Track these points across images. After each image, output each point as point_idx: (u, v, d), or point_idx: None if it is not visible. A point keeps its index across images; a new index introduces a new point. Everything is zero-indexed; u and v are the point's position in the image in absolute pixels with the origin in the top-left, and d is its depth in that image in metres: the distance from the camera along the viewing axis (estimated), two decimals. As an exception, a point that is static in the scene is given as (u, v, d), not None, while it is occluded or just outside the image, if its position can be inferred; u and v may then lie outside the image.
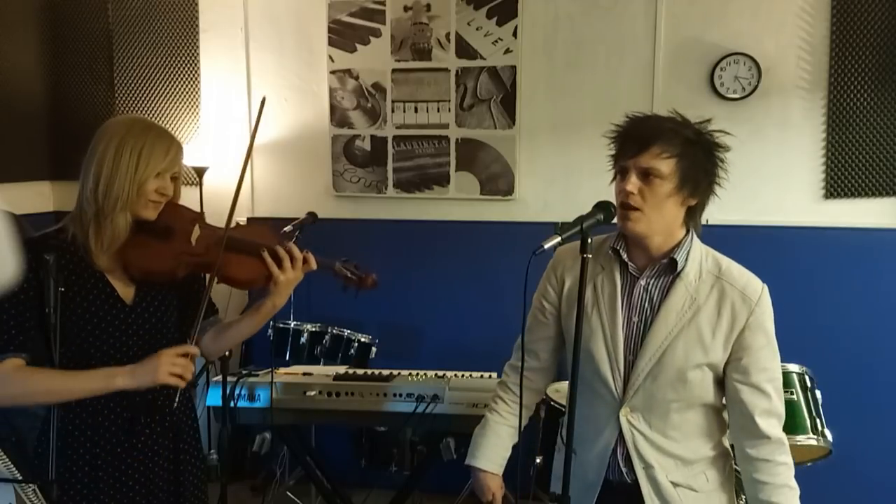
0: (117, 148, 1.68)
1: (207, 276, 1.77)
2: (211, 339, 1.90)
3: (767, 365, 1.66)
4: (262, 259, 1.75)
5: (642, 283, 1.70)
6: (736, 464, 1.80)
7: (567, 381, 2.17)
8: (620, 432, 1.70)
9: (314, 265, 1.80)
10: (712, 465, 1.74)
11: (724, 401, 1.73)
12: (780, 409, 1.69)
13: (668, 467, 1.70)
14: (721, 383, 1.70)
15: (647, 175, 1.60)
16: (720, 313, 1.65)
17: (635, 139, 1.62)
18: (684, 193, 1.62)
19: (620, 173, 1.66)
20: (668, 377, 1.65)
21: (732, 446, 1.77)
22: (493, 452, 1.89)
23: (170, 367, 1.63)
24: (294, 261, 1.76)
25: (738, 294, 1.65)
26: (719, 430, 1.76)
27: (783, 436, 1.68)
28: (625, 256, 1.71)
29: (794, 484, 1.66)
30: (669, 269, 1.68)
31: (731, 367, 1.67)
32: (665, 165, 1.59)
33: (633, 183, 1.61)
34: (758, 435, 1.66)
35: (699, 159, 1.61)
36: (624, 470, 1.72)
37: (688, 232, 1.69)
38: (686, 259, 1.66)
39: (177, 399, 1.71)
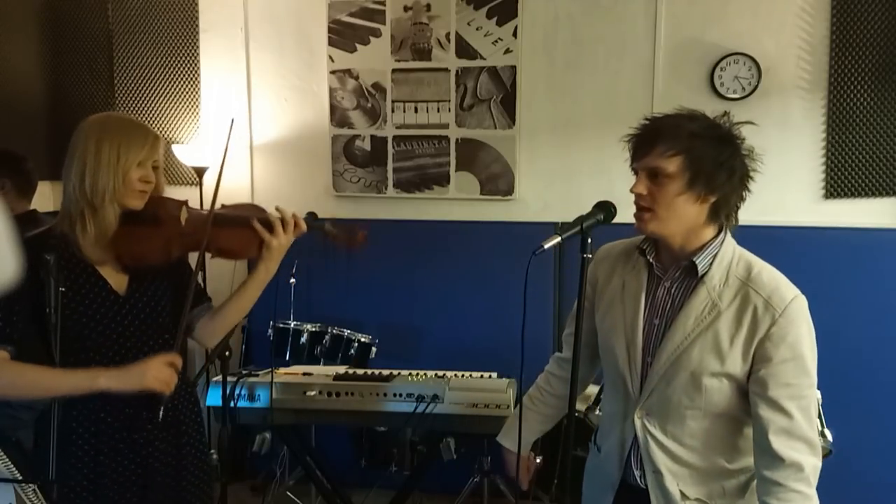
0: (97, 143, 1.72)
1: (194, 267, 1.82)
2: (208, 322, 1.93)
3: (791, 381, 1.54)
4: (253, 228, 1.81)
5: (666, 284, 1.66)
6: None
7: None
8: (636, 434, 1.68)
9: (304, 227, 1.86)
10: (733, 480, 1.66)
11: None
12: (806, 431, 1.54)
13: (681, 476, 1.64)
14: (746, 396, 1.60)
15: (654, 175, 1.56)
16: (741, 321, 1.56)
17: (641, 140, 1.60)
18: (698, 190, 1.55)
19: (634, 174, 1.63)
20: (681, 382, 1.60)
21: None
22: (512, 432, 1.93)
23: (157, 373, 1.66)
24: (286, 225, 1.82)
25: (761, 302, 1.55)
26: (745, 444, 1.66)
27: (803, 461, 1.53)
28: (650, 257, 1.68)
29: None
30: (691, 272, 1.62)
31: (751, 378, 1.57)
32: (671, 164, 1.54)
33: (642, 184, 1.58)
34: (770, 454, 1.54)
35: (709, 152, 1.54)
36: (637, 474, 1.69)
37: (719, 233, 1.62)
38: (711, 263, 1.59)
39: (161, 412, 1.72)
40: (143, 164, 1.75)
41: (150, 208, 1.79)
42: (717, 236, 1.62)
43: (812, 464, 1.55)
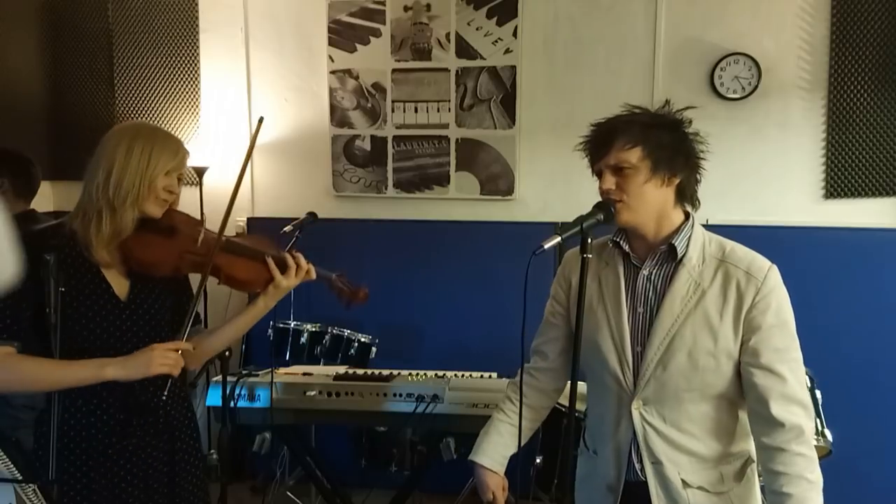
0: (128, 146, 1.73)
1: (198, 285, 1.82)
2: (196, 345, 1.90)
3: (780, 345, 1.60)
4: (265, 264, 1.85)
5: (645, 272, 1.70)
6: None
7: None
8: (634, 427, 1.69)
9: (314, 276, 1.91)
10: (729, 465, 1.70)
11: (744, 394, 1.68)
12: (800, 393, 1.60)
13: (681, 464, 1.67)
14: (739, 373, 1.65)
15: (619, 170, 1.62)
16: (726, 296, 1.62)
17: (597, 142, 1.67)
18: (662, 175, 1.62)
19: (598, 176, 1.69)
20: (678, 364, 1.63)
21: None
22: (492, 450, 1.88)
23: (161, 359, 1.67)
24: (299, 269, 1.86)
25: (742, 274, 1.62)
26: (740, 430, 1.70)
27: (802, 423, 1.58)
28: (626, 247, 1.72)
29: (812, 476, 1.58)
30: (670, 256, 1.67)
31: (742, 350, 1.62)
32: (631, 155, 1.61)
33: (609, 180, 1.63)
34: (772, 422, 1.59)
35: (664, 138, 1.62)
36: (638, 468, 1.70)
37: (687, 217, 1.69)
38: (687, 245, 1.66)
39: (167, 389, 1.72)
40: (170, 173, 1.77)
41: (167, 220, 1.80)
42: (686, 220, 1.69)
43: (809, 427, 1.60)
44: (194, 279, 1.86)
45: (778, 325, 1.61)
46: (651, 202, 1.64)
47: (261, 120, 1.93)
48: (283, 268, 1.85)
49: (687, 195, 1.69)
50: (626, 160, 1.61)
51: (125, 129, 1.78)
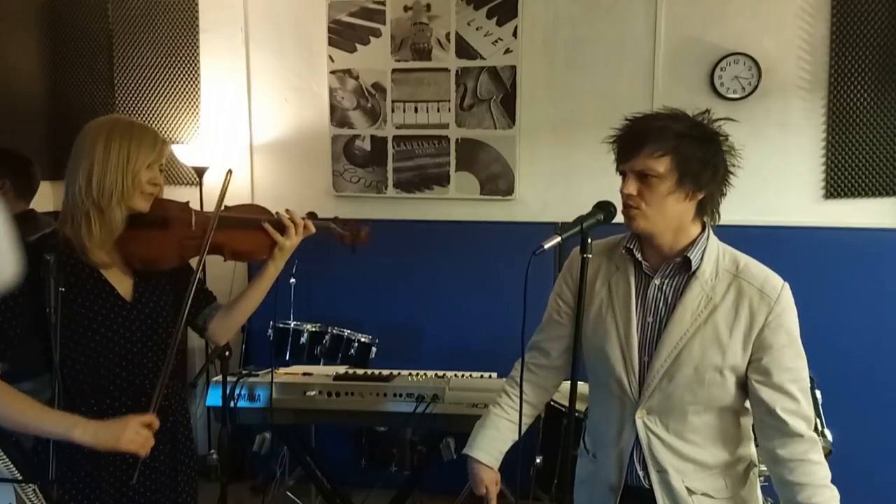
0: (105, 144, 1.71)
1: (196, 266, 1.82)
2: (220, 320, 1.94)
3: (790, 365, 1.60)
4: (264, 230, 1.85)
5: (656, 282, 1.67)
6: (762, 470, 1.74)
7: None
8: (637, 435, 1.68)
9: (313, 229, 1.90)
10: (732, 471, 1.70)
11: (746, 404, 1.68)
12: (808, 411, 1.62)
13: (686, 472, 1.66)
14: (744, 387, 1.65)
15: (644, 176, 1.58)
16: (738, 312, 1.61)
17: (627, 142, 1.62)
18: (686, 188, 1.58)
19: (621, 176, 1.65)
20: (684, 378, 1.62)
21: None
22: (488, 444, 1.86)
23: (133, 436, 1.64)
24: (297, 227, 1.86)
25: (755, 292, 1.60)
26: (742, 435, 1.71)
27: (815, 435, 1.61)
28: (638, 256, 1.69)
29: (832, 486, 1.59)
30: (684, 268, 1.65)
31: (751, 368, 1.62)
32: (659, 164, 1.56)
33: (631, 185, 1.60)
34: (787, 433, 1.59)
35: (695, 152, 1.57)
36: (641, 474, 1.69)
37: (703, 229, 1.66)
38: (701, 258, 1.63)
39: (136, 473, 1.70)
40: (152, 165, 1.76)
41: (157, 211, 1.79)
42: (702, 232, 1.66)
43: (815, 435, 1.63)
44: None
45: (789, 344, 1.61)
46: (669, 214, 1.61)
47: (229, 172, 1.90)
48: (282, 229, 1.85)
49: (708, 209, 1.65)
50: (653, 168, 1.57)
51: (100, 126, 1.75)
